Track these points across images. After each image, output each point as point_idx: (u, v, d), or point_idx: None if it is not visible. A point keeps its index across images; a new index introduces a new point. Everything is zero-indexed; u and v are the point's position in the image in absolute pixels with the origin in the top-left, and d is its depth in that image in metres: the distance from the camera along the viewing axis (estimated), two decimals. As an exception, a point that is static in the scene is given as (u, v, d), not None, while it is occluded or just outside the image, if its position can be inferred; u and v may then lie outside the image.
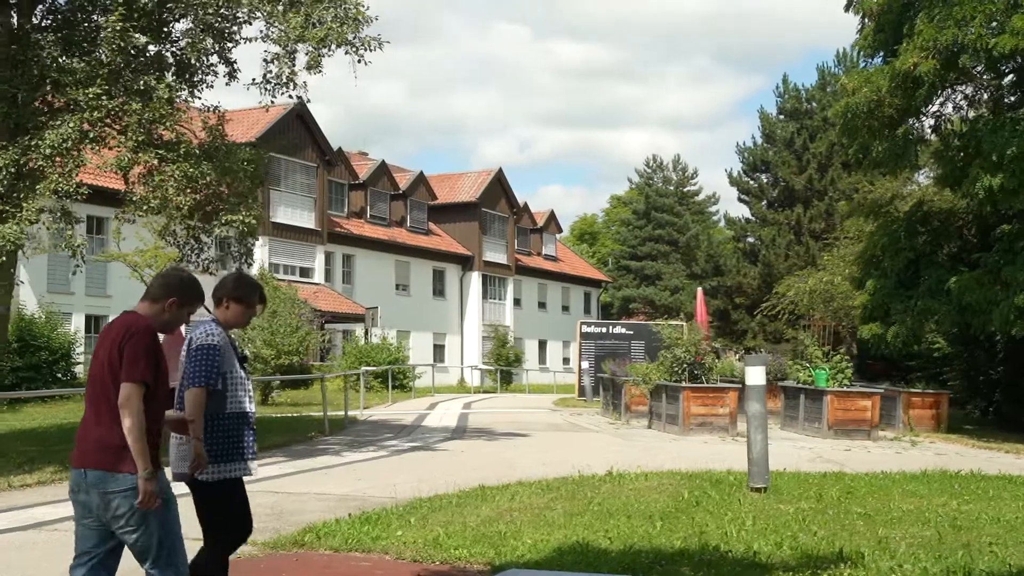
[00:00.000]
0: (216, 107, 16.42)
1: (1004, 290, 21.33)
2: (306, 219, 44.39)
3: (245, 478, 5.98)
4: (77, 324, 34.31)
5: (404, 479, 13.27)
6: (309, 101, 15.96)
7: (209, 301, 5.93)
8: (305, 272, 44.33)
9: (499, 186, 57.87)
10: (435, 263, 53.83)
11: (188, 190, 15.11)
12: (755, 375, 12.49)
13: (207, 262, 18.18)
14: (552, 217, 64.84)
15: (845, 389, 21.81)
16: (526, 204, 61.45)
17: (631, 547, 8.87)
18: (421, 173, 54.06)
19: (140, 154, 14.41)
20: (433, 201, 54.52)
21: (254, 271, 38.62)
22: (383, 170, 51.12)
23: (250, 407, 5.99)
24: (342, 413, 23.98)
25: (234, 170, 15.39)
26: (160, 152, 14.70)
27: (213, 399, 5.76)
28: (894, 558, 8.56)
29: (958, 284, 22.10)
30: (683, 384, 21.96)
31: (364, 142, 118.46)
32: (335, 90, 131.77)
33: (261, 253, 41.20)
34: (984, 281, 21.86)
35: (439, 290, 54.30)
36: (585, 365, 35.92)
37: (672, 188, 76.55)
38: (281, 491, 12.62)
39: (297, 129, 43.91)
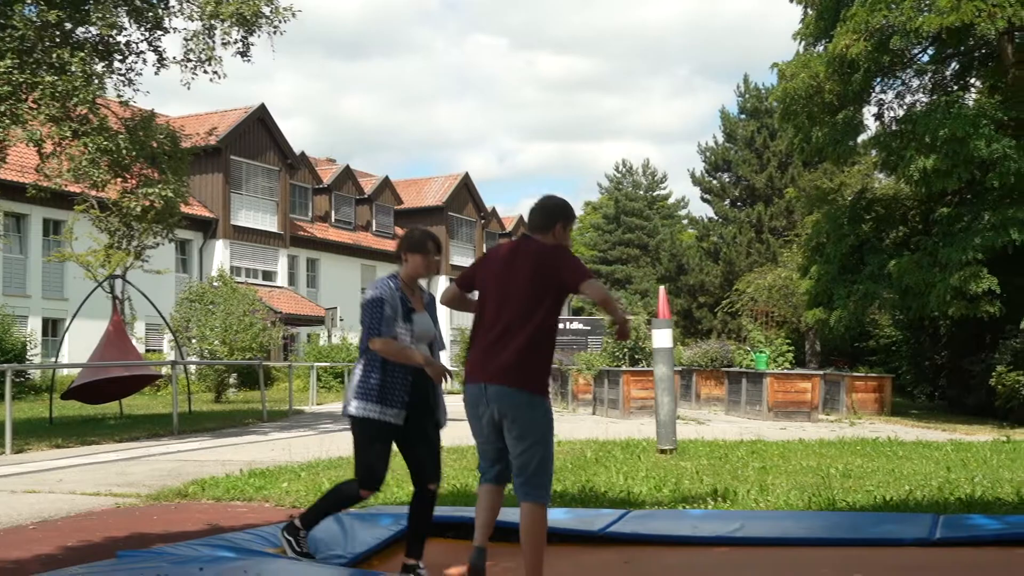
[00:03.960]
0: (130, 79, 16.32)
1: (941, 271, 21.50)
2: (268, 222, 44.31)
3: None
4: (33, 326, 34.16)
5: (318, 450, 13.29)
6: (226, 76, 15.95)
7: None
8: (268, 275, 44.23)
9: (466, 190, 57.91)
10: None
11: (104, 164, 15.11)
12: (661, 338, 12.57)
13: (139, 249, 18.17)
14: (521, 222, 64.81)
15: (785, 371, 21.94)
16: (494, 209, 61.51)
17: (507, 491, 8.92)
18: (387, 178, 54.07)
19: (53, 128, 14.44)
20: (399, 206, 54.52)
21: (213, 272, 38.62)
22: (347, 174, 51.11)
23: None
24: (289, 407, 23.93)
25: (150, 144, 15.38)
26: (74, 126, 14.71)
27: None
28: (766, 495, 8.66)
29: (897, 267, 22.27)
30: (623, 368, 22.04)
31: (342, 155, 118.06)
32: (313, 106, 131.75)
33: (222, 256, 41.21)
34: (923, 263, 22.04)
35: (406, 294, 54.18)
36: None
37: (642, 192, 76.75)
38: (188, 459, 12.66)
39: (258, 132, 43.83)
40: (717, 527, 6.88)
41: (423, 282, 6.25)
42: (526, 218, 5.64)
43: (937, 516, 6.93)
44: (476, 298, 5.57)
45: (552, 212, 5.37)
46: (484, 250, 59.12)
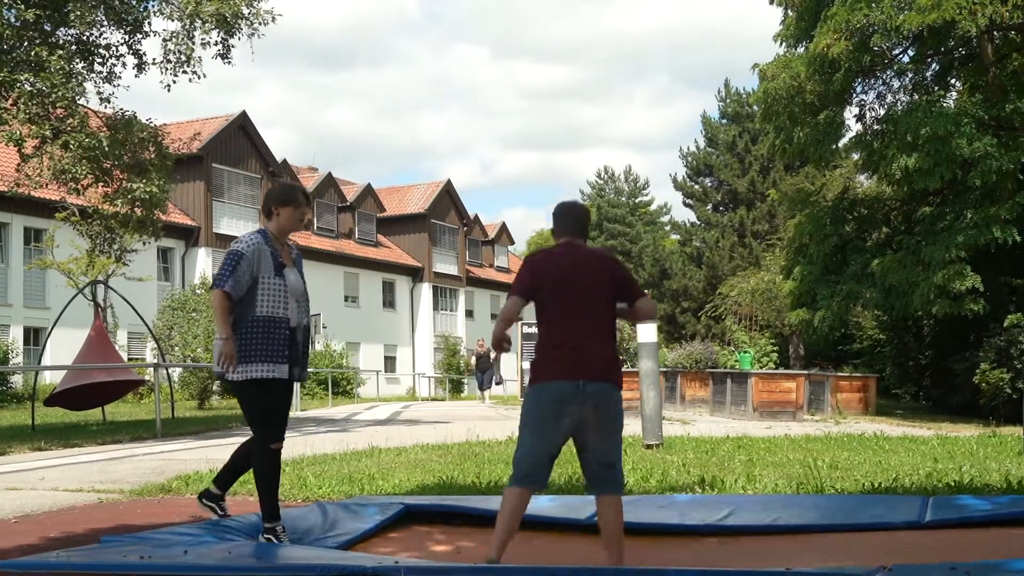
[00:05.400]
0: (111, 76, 16.18)
1: (924, 270, 21.56)
2: (249, 230, 44.12)
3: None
4: (15, 335, 33.94)
5: (303, 449, 13.18)
6: (205, 76, 15.87)
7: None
8: (250, 283, 44.08)
9: (448, 198, 57.83)
10: (384, 274, 53.61)
11: (84, 161, 14.99)
12: (645, 332, 12.52)
13: (119, 252, 18.05)
14: (504, 229, 64.87)
15: (769, 372, 21.94)
16: (477, 216, 61.39)
17: (492, 482, 8.88)
18: (369, 185, 53.95)
19: (34, 127, 14.34)
20: (381, 213, 54.41)
21: (196, 280, 38.49)
22: (329, 182, 50.97)
23: (288, 313, 6.06)
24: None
25: (132, 141, 15.26)
26: (54, 124, 14.62)
27: (243, 303, 5.96)
28: (753, 483, 8.62)
29: (880, 266, 22.32)
30: (608, 369, 21.99)
31: (325, 165, 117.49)
32: (295, 117, 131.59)
33: (204, 264, 41.04)
34: (906, 262, 22.09)
35: (389, 301, 54.09)
36: (526, 365, 35.94)
37: (624, 199, 76.92)
38: (172, 458, 12.56)
39: (240, 140, 43.71)
40: (706, 513, 6.83)
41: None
42: (521, 235, 5.87)
43: (927, 498, 6.89)
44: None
45: (585, 220, 5.68)
46: (467, 257, 59.16)
